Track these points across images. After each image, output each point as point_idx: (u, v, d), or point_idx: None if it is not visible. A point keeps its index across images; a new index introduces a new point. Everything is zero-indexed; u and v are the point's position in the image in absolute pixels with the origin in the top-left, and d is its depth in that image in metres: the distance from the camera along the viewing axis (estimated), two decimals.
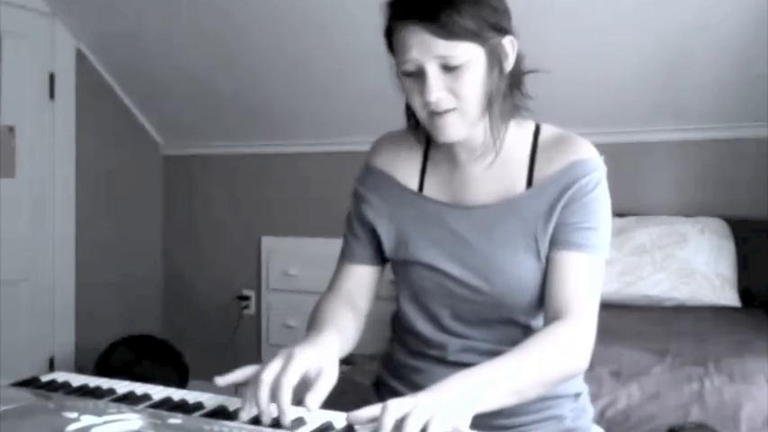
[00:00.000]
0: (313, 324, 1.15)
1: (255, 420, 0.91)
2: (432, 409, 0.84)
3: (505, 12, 1.11)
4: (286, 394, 0.89)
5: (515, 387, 0.99)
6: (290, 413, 0.89)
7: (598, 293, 1.13)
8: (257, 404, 0.89)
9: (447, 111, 1.08)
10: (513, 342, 1.14)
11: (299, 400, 0.91)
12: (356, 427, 0.87)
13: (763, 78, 2.61)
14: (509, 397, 0.98)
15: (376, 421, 0.84)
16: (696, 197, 2.88)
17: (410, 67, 1.07)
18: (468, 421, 0.89)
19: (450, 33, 1.04)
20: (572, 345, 1.07)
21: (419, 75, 1.07)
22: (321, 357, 0.96)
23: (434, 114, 1.09)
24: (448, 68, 1.06)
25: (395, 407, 0.84)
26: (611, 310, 2.43)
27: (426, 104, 1.08)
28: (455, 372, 0.97)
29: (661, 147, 2.95)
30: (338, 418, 0.91)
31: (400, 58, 1.08)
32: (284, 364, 0.92)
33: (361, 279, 1.26)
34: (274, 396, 0.89)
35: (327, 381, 0.93)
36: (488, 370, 0.97)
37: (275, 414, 0.89)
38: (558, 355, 1.05)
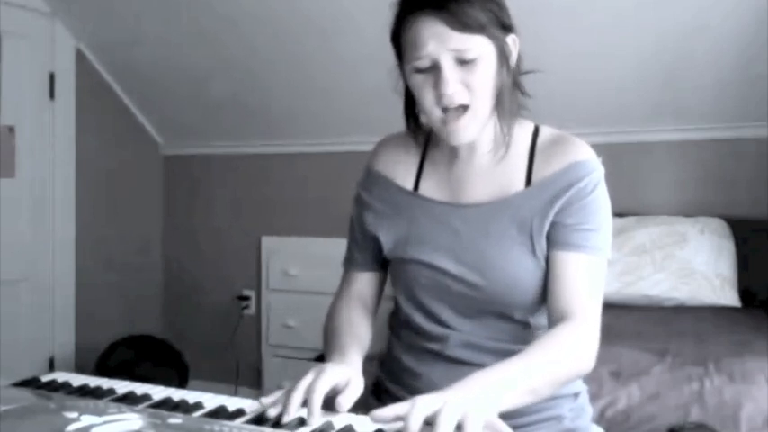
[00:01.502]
0: (332, 337, 1.18)
1: (256, 420, 0.91)
2: (464, 406, 0.83)
3: (507, 10, 1.13)
4: (317, 399, 0.92)
5: (530, 387, 0.99)
6: (318, 416, 0.91)
7: (600, 294, 1.13)
8: (288, 405, 0.92)
9: (459, 107, 1.09)
10: (512, 339, 1.14)
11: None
12: (382, 425, 0.87)
13: (763, 78, 2.60)
14: (525, 396, 0.99)
15: (400, 420, 0.84)
16: (696, 197, 2.88)
17: (424, 62, 1.08)
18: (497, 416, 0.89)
19: (465, 25, 1.05)
20: (578, 346, 1.07)
21: (432, 70, 1.08)
22: (348, 372, 1.01)
23: (447, 112, 1.09)
24: (462, 62, 1.07)
25: (423, 404, 0.84)
26: (611, 310, 2.41)
27: (441, 98, 1.08)
28: (454, 369, 0.98)
29: (661, 147, 2.95)
30: (361, 422, 0.91)
31: (413, 54, 1.08)
32: (317, 376, 0.96)
33: (368, 284, 1.29)
34: (306, 401, 0.92)
35: (355, 389, 0.98)
36: (503, 370, 0.97)
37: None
38: (566, 357, 1.05)
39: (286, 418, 0.90)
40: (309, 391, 0.93)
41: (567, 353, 1.06)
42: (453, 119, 1.10)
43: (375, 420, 0.87)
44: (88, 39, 3.36)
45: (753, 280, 2.60)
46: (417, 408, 0.83)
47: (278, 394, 0.96)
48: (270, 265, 3.55)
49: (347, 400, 0.95)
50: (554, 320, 1.11)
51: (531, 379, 0.99)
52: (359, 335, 1.18)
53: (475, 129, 1.12)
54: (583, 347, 1.08)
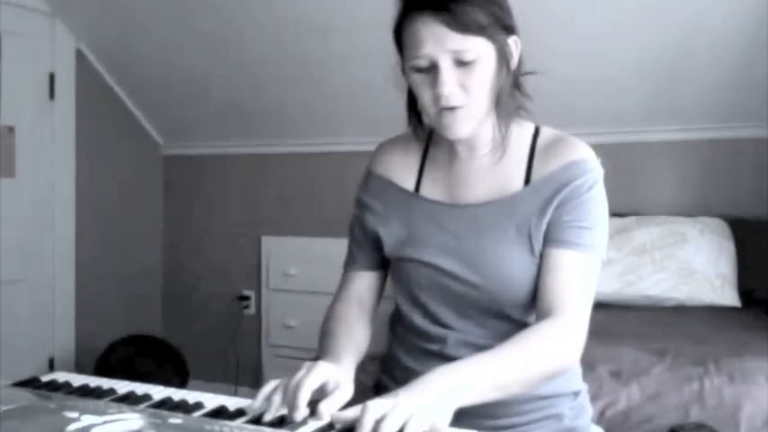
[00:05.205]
0: (328, 340, 1.17)
1: (256, 420, 0.91)
2: (410, 409, 0.85)
3: (510, 11, 1.13)
4: (304, 393, 0.92)
5: (497, 383, 0.99)
6: (303, 411, 0.91)
7: (591, 292, 1.13)
8: (288, 403, 0.92)
9: (456, 107, 1.09)
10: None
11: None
12: (338, 426, 0.88)
13: (763, 78, 2.61)
14: (491, 393, 0.99)
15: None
16: (696, 197, 2.88)
17: (423, 62, 1.08)
18: (449, 419, 0.89)
19: (464, 27, 1.05)
20: (559, 343, 1.07)
21: (430, 69, 1.08)
22: (340, 375, 1.00)
23: (444, 110, 1.10)
24: (461, 63, 1.07)
25: (374, 407, 0.85)
26: (611, 310, 2.44)
27: (438, 99, 1.09)
28: None
29: (661, 147, 2.95)
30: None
31: (412, 52, 1.09)
32: (307, 372, 0.96)
33: (368, 284, 1.29)
34: (294, 395, 0.92)
35: (343, 394, 0.97)
36: (470, 366, 0.98)
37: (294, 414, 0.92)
38: (544, 353, 1.05)
39: (297, 417, 0.91)
40: (298, 387, 0.93)
41: (548, 349, 1.05)
42: (449, 114, 1.10)
43: (333, 421, 0.89)
44: (88, 39, 3.36)
45: (753, 280, 2.59)
46: (369, 411, 0.84)
47: (264, 393, 0.96)
48: (270, 265, 3.55)
49: (330, 407, 0.93)
50: (540, 316, 1.11)
51: (500, 376, 0.99)
52: (356, 339, 1.18)
53: (470, 125, 1.12)
54: (563, 345, 1.07)
